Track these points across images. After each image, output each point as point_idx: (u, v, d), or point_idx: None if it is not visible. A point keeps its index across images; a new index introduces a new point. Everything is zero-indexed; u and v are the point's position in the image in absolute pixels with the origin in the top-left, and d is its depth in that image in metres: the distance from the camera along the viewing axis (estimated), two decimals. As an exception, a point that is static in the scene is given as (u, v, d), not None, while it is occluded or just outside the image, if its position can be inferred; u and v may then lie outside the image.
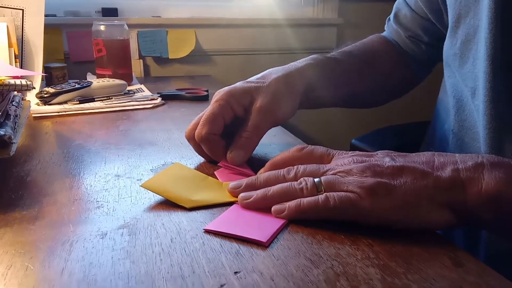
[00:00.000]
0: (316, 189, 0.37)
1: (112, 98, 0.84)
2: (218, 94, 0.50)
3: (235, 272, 0.30)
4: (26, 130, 0.65)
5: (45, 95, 0.78)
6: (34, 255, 0.32)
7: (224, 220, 0.37)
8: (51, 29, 1.14)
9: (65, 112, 0.76)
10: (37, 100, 0.79)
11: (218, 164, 0.50)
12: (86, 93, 0.82)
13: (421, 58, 0.68)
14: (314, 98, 0.56)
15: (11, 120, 0.53)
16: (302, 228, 0.36)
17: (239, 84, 0.51)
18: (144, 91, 0.93)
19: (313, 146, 0.43)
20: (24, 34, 0.85)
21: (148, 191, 0.42)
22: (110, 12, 1.28)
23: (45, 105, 0.78)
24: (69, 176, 0.47)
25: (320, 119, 1.49)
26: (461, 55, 0.52)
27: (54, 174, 0.48)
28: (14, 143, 0.48)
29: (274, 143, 0.59)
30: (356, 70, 0.63)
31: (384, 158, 0.38)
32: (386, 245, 0.34)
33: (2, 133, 0.47)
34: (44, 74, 0.93)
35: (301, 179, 0.38)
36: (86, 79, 0.91)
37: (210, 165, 0.51)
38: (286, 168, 0.41)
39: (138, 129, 0.67)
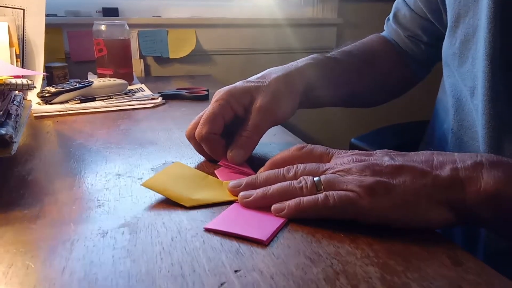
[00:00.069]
0: (316, 188, 0.37)
1: (113, 98, 0.84)
2: (218, 94, 0.50)
3: (235, 271, 0.30)
4: (27, 129, 0.66)
5: (46, 95, 0.78)
6: (35, 254, 0.32)
7: (224, 219, 0.37)
8: (52, 28, 1.14)
9: (66, 111, 0.76)
10: (38, 100, 0.79)
11: (218, 163, 0.50)
12: (87, 92, 0.82)
13: (420, 58, 0.68)
14: (314, 97, 0.57)
15: (12, 119, 0.53)
16: (301, 226, 0.36)
17: (239, 83, 0.51)
18: (144, 91, 0.93)
19: (312, 145, 0.43)
20: (25, 33, 0.85)
21: (149, 190, 0.42)
22: (110, 12, 1.28)
23: (46, 104, 0.78)
24: (70, 175, 0.47)
25: (319, 119, 1.49)
26: (460, 54, 0.52)
27: (55, 173, 0.48)
28: (15, 142, 0.48)
29: (274, 142, 0.60)
30: (355, 70, 0.63)
31: (383, 157, 0.38)
32: (386, 243, 0.34)
33: (3, 132, 0.47)
34: (45, 74, 0.94)
35: (301, 178, 0.38)
36: (87, 79, 0.91)
37: (210, 164, 0.51)
38: (286, 167, 0.41)
39: (138, 128, 0.67)
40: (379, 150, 0.40)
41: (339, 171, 0.38)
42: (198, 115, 0.51)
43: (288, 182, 0.39)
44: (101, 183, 0.45)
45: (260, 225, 0.36)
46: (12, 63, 0.77)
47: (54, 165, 0.51)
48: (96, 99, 0.82)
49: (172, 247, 0.33)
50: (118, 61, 1.01)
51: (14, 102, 0.60)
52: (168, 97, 0.89)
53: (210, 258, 0.32)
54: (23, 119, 0.62)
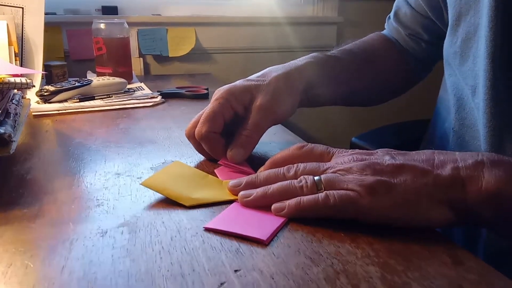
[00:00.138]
0: (316, 187, 0.37)
1: (112, 96, 0.84)
2: (218, 92, 0.50)
3: (235, 270, 0.30)
4: (26, 128, 0.65)
5: (45, 93, 0.78)
6: (34, 253, 0.32)
7: (224, 218, 0.37)
8: (51, 27, 1.14)
9: (65, 110, 0.76)
10: (37, 98, 0.79)
11: (218, 162, 0.50)
12: (86, 91, 0.82)
13: (421, 56, 0.68)
14: (314, 96, 0.56)
15: (11, 118, 0.53)
16: (302, 226, 0.36)
17: (239, 82, 0.51)
18: (144, 89, 0.93)
19: (313, 145, 0.43)
20: (24, 32, 0.84)
21: (148, 189, 0.42)
22: (110, 10, 1.28)
23: (45, 103, 0.78)
24: (69, 174, 0.47)
25: (320, 117, 1.49)
26: (462, 53, 0.52)
27: (54, 172, 0.48)
28: (14, 141, 0.48)
29: (274, 141, 0.59)
30: (356, 68, 0.63)
31: (384, 156, 0.38)
32: (386, 243, 0.34)
33: (2, 131, 0.47)
34: (44, 72, 0.93)
35: (301, 177, 0.38)
36: (86, 77, 0.91)
37: (210, 163, 0.51)
38: (286, 166, 0.41)
39: (138, 127, 0.67)
40: (379, 149, 0.40)
41: (339, 170, 0.37)
42: (198, 114, 0.51)
43: (288, 181, 0.39)
44: (100, 182, 0.45)
45: (260, 224, 0.36)
46: (11, 61, 0.77)
47: (53, 164, 0.51)
48: (95, 98, 0.82)
49: (171, 247, 0.33)
50: (118, 59, 1.01)
51: (13, 101, 0.60)
52: (167, 96, 0.89)
53: (210, 257, 0.32)
54: (22, 118, 0.62)
